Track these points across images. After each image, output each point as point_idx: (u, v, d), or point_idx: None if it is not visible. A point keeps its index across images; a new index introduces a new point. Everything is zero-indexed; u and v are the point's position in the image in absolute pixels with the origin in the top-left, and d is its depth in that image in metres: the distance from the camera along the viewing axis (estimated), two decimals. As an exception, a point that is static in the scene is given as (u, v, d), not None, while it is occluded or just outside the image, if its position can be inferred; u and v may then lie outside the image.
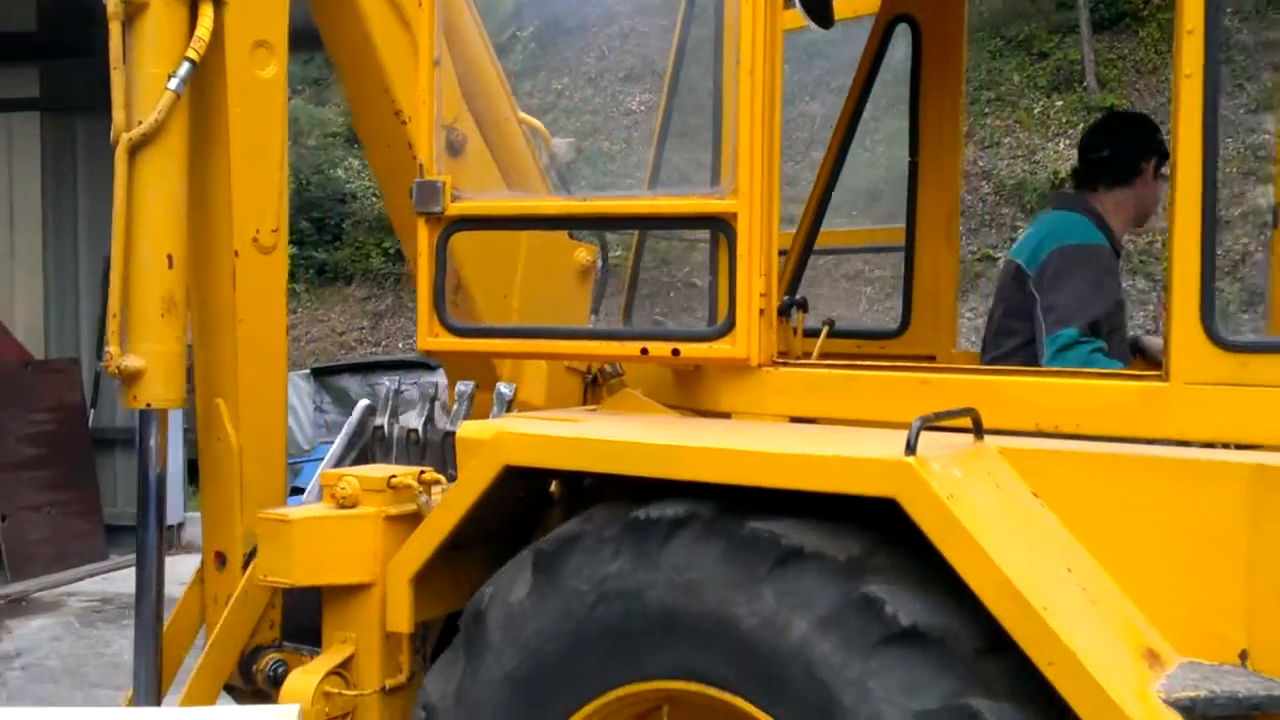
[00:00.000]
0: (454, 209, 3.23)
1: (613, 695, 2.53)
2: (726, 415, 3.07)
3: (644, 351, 3.09)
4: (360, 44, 4.01)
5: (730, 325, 2.94)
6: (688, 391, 3.19)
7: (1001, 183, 13.14)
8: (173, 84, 3.31)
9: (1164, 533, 2.37)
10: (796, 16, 4.14)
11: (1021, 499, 2.44)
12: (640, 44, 16.46)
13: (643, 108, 16.37)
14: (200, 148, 3.47)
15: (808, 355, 3.98)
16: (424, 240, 3.25)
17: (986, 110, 13.70)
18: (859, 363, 3.09)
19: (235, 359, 3.53)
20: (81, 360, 9.78)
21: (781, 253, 4.37)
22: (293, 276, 15.87)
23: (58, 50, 9.34)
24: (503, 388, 4.13)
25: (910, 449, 2.26)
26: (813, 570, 2.29)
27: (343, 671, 3.04)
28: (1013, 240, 12.19)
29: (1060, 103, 12.91)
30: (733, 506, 2.45)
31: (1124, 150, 3.70)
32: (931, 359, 4.08)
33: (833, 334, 4.33)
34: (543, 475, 2.95)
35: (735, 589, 2.35)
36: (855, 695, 2.21)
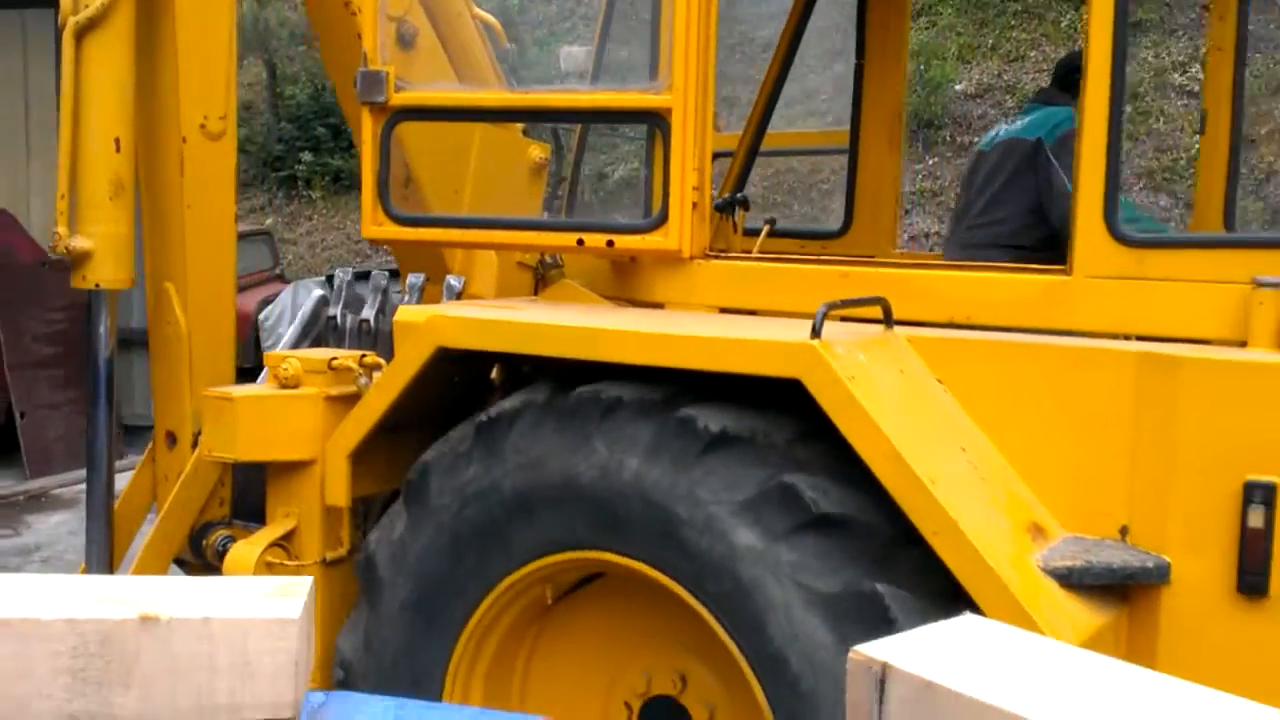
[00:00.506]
0: (397, 99, 3.28)
1: (534, 565, 2.68)
2: (660, 306, 3.17)
3: (580, 242, 3.19)
4: (310, -65, 4.02)
5: (663, 218, 3.03)
6: (624, 282, 3.29)
7: (1026, 96, 13.01)
8: (119, -30, 3.32)
9: (1056, 417, 2.51)
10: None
11: (924, 384, 2.57)
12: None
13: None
14: (148, 34, 3.49)
15: (748, 253, 4.09)
16: (368, 130, 3.30)
17: (1013, 23, 13.16)
18: (786, 255, 3.19)
19: (184, 244, 3.60)
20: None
21: (729, 154, 4.47)
22: (308, 184, 15.72)
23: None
24: (452, 280, 4.22)
25: (815, 333, 2.38)
26: (736, 456, 2.42)
27: (285, 544, 3.17)
28: None
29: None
30: (661, 389, 2.58)
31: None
32: (871, 259, 4.19)
33: (777, 234, 4.43)
34: (477, 360, 3.06)
35: (663, 470, 2.48)
36: (769, 577, 2.36)
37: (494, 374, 3.30)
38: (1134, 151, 11.89)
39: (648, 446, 2.53)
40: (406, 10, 4.15)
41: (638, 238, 3.10)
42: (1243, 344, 2.45)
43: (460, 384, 3.18)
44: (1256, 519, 2.26)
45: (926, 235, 11.25)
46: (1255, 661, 2.28)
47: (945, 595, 2.26)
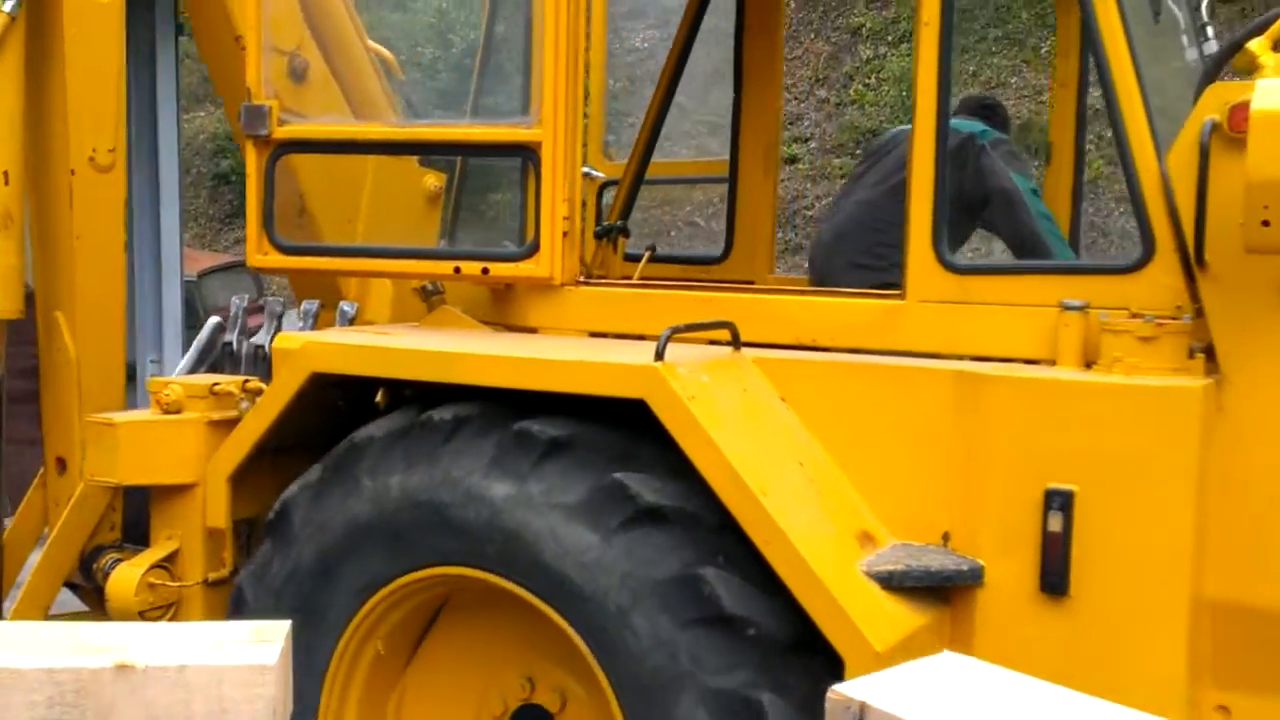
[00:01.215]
0: (280, 133, 3.40)
1: (394, 584, 2.81)
2: (534, 330, 3.33)
3: (456, 270, 3.33)
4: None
5: (535, 247, 3.19)
6: (501, 308, 3.43)
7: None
8: (8, 5, 3.42)
9: (886, 432, 2.70)
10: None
11: (766, 402, 2.75)
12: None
13: (645, 44, 16.03)
14: (36, 67, 3.59)
15: (628, 278, 4.26)
16: (252, 162, 3.42)
17: (993, 49, 13.20)
18: (653, 281, 3.37)
19: (73, 274, 3.69)
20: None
21: (614, 182, 4.65)
22: None
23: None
24: (345, 306, 4.34)
25: (659, 356, 2.55)
26: (572, 461, 2.58)
27: (168, 565, 3.27)
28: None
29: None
30: (508, 409, 2.73)
31: (1008, 119, 4.10)
32: (750, 283, 4.38)
33: (663, 260, 4.62)
34: (363, 383, 3.19)
35: (503, 481, 2.63)
36: (604, 572, 2.52)
37: (378, 398, 3.43)
38: (1114, 177, 12.17)
39: (489, 460, 2.67)
40: (298, 44, 4.28)
41: (511, 265, 3.26)
42: (1053, 362, 2.66)
43: (346, 407, 3.30)
44: (1055, 524, 2.47)
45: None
46: (1058, 655, 2.49)
47: (772, 579, 2.44)
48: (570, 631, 2.60)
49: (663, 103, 4.50)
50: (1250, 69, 2.54)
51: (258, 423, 3.03)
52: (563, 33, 3.17)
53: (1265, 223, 2.23)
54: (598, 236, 4.24)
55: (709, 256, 4.61)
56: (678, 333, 2.62)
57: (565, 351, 2.75)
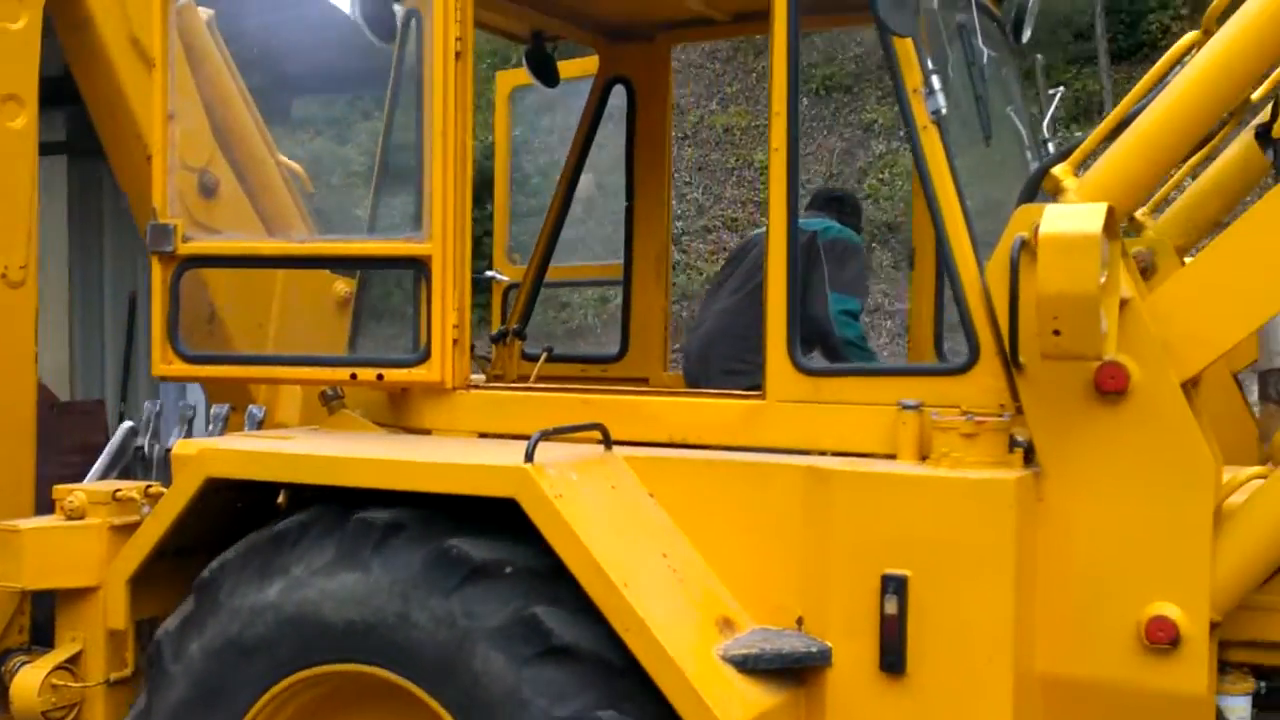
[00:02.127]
0: (184, 249, 3.60)
1: (275, 689, 2.97)
2: (428, 432, 3.53)
3: (353, 376, 3.54)
4: (113, 95, 4.36)
5: (427, 353, 3.40)
6: (398, 411, 3.63)
7: (1002, 220, 13.28)
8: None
9: (745, 523, 2.92)
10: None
11: (634, 498, 2.96)
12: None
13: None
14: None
15: (525, 378, 4.48)
16: (157, 277, 3.61)
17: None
18: (536, 385, 3.59)
19: (-17, 384, 3.83)
20: (107, 401, 9.67)
21: (515, 286, 4.89)
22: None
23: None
24: (254, 409, 4.51)
25: (528, 457, 2.75)
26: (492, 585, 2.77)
27: (72, 667, 3.38)
28: None
29: (1080, 133, 13.13)
30: (435, 518, 2.90)
31: (859, 212, 4.37)
32: (645, 381, 4.61)
33: (565, 359, 4.85)
34: (256, 486, 3.35)
35: (426, 595, 2.81)
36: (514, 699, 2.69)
37: (280, 499, 3.59)
38: None
39: (417, 573, 2.83)
40: (208, 161, 4.50)
41: (405, 371, 3.46)
42: (893, 457, 2.90)
43: (247, 509, 3.45)
44: (891, 606, 2.69)
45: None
46: (901, 729, 2.69)
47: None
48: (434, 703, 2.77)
49: (560, 209, 4.77)
50: (1056, 191, 2.84)
51: (155, 527, 3.18)
52: (450, 153, 3.42)
53: (1056, 332, 2.50)
54: (493, 340, 4.46)
55: (607, 356, 4.84)
56: (548, 435, 2.84)
57: (442, 454, 2.95)
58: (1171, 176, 4.19)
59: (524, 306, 4.79)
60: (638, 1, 4.37)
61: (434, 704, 2.82)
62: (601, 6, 4.45)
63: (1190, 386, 2.76)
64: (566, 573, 2.69)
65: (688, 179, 15.30)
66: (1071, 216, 2.48)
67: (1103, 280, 2.50)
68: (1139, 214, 4.14)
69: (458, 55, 3.44)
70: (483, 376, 4.38)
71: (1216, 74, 2.67)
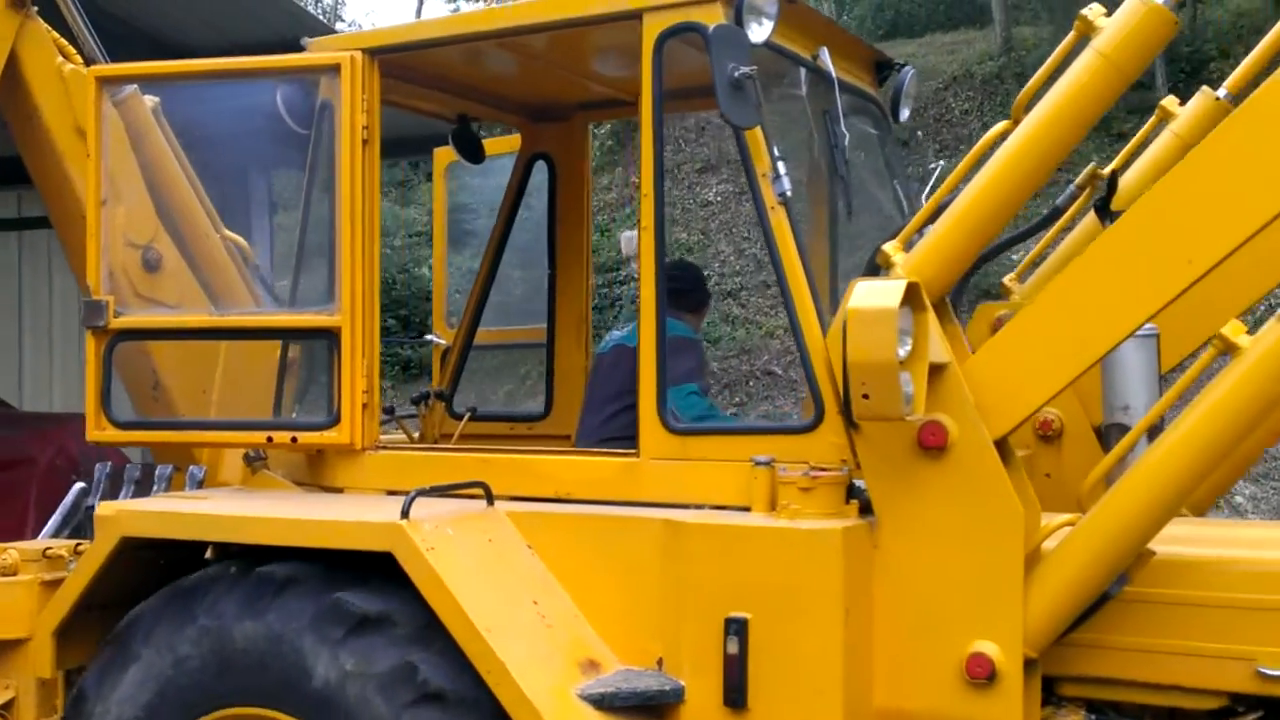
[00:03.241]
0: (116, 324, 3.90)
1: None
2: (340, 490, 3.79)
3: (269, 439, 3.82)
4: (60, 180, 4.67)
5: (337, 418, 3.69)
6: (314, 471, 3.90)
7: (994, 288, 13.08)
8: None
9: (613, 571, 3.18)
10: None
11: (511, 550, 3.22)
12: (715, 136, 16.82)
13: (719, 198, 16.27)
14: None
15: (447, 437, 4.76)
16: (91, 350, 3.90)
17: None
18: (438, 446, 3.86)
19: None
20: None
21: (447, 350, 5.17)
22: (381, 373, 15.59)
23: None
24: (194, 470, 4.77)
25: (404, 514, 3.02)
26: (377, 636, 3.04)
27: (5, 713, 3.63)
28: None
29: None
30: (328, 572, 3.16)
31: (699, 288, 4.62)
32: (568, 438, 4.88)
33: (490, 418, 5.13)
34: (182, 543, 3.60)
35: (316, 643, 3.08)
36: None
37: (208, 553, 3.85)
38: None
39: (309, 623, 3.09)
40: (151, 238, 4.80)
41: (317, 434, 3.75)
42: (747, 509, 3.16)
43: (174, 563, 3.70)
44: (733, 647, 2.94)
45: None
46: (745, 760, 2.93)
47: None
48: None
49: (488, 275, 5.07)
50: (886, 266, 3.12)
51: (78, 582, 3.45)
52: (358, 232, 3.73)
53: (865, 395, 2.77)
54: (414, 403, 4.75)
55: (533, 414, 5.12)
56: (424, 493, 3.11)
57: (330, 512, 3.22)
58: (1036, 245, 4.49)
59: (453, 369, 5.08)
60: (553, 85, 4.69)
61: None
62: (520, 90, 4.77)
63: (1006, 442, 3.02)
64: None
65: (746, 234, 15.42)
66: (873, 293, 2.76)
67: (905, 349, 2.77)
68: (1006, 280, 4.43)
69: (365, 142, 3.76)
70: (402, 436, 4.65)
71: (1023, 160, 2.95)
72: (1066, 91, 2.88)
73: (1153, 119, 3.91)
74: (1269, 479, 11.01)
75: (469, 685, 2.94)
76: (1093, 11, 2.88)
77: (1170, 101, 3.82)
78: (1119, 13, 2.83)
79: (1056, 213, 3.78)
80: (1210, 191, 2.71)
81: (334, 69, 3.79)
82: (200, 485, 4.70)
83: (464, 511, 3.25)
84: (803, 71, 3.77)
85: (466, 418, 4.81)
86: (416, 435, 4.78)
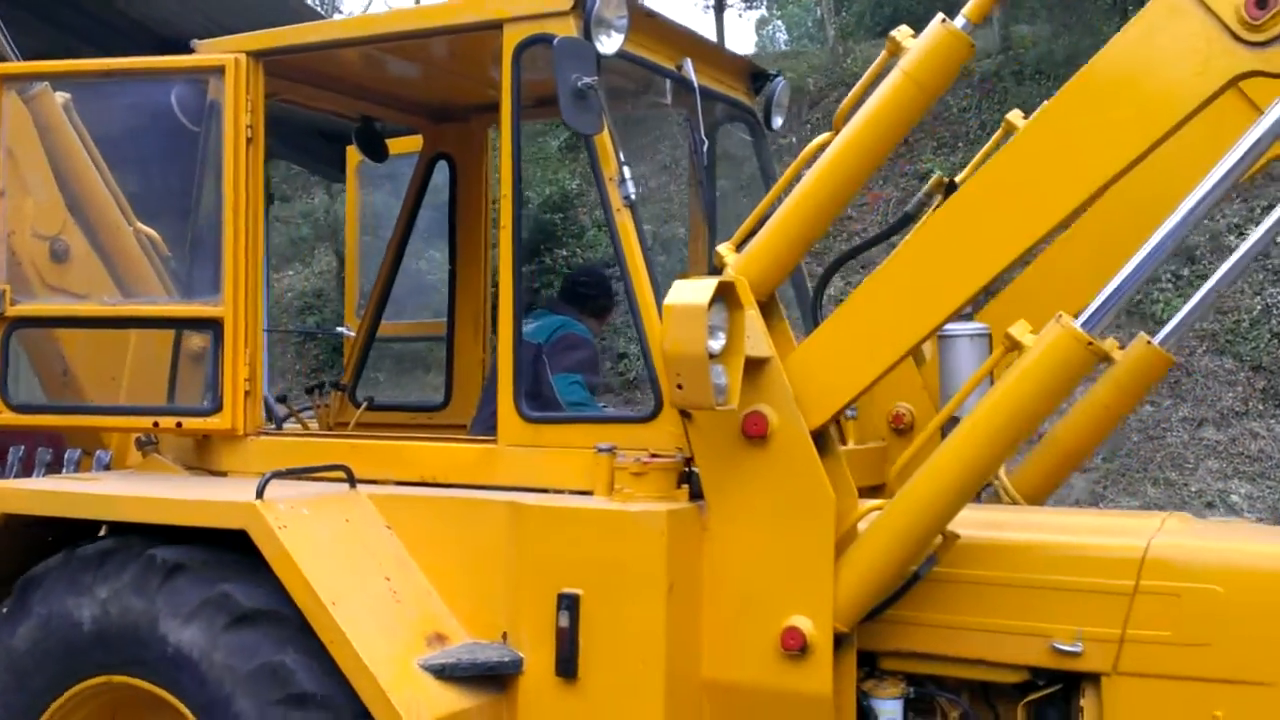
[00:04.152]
0: (12, 311, 4.06)
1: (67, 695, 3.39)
2: (224, 474, 3.97)
3: (155, 424, 4.00)
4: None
5: (219, 404, 3.87)
6: (201, 456, 4.08)
7: (1189, 253, 12.72)
8: None
9: (463, 551, 3.37)
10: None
11: (369, 530, 3.41)
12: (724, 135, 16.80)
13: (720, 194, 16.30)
14: None
15: (344, 424, 4.94)
16: (-12, 337, 4.06)
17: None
18: (316, 432, 4.04)
19: None
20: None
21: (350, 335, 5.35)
22: (377, 365, 15.75)
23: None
24: (101, 454, 4.94)
25: (259, 494, 3.21)
26: (187, 578, 3.21)
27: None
28: None
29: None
30: (219, 558, 3.32)
31: (604, 295, 4.82)
32: (464, 428, 5.07)
33: (391, 407, 5.31)
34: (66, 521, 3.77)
35: (139, 599, 3.25)
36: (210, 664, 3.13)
37: (101, 532, 4.02)
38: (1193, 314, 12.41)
39: (129, 584, 3.30)
40: (59, 230, 4.97)
41: (201, 420, 3.93)
42: (590, 493, 3.36)
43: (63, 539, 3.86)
44: (565, 620, 3.15)
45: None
46: (576, 727, 3.14)
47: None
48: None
49: (389, 273, 5.25)
50: (721, 266, 3.33)
51: (-39, 558, 3.62)
52: (241, 226, 3.92)
53: (680, 386, 2.97)
54: (307, 392, 4.93)
55: (431, 405, 5.30)
56: (280, 475, 3.30)
57: (193, 492, 3.40)
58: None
59: (356, 361, 5.26)
60: (451, 88, 4.88)
61: (185, 710, 3.25)
62: (419, 92, 4.96)
63: (829, 431, 3.23)
64: None
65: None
66: (688, 290, 2.96)
67: (720, 343, 2.98)
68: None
69: (249, 141, 3.94)
70: (297, 425, 4.83)
71: (839, 168, 3.16)
72: (877, 106, 3.09)
73: (999, 131, 4.13)
74: (1265, 478, 11.18)
75: (337, 688, 3.12)
76: (900, 33, 3.09)
77: (1015, 115, 4.04)
78: (923, 35, 3.04)
79: (907, 218, 3.99)
80: (998, 199, 2.93)
81: (219, 70, 3.97)
82: (107, 468, 4.88)
83: (324, 493, 3.44)
84: (667, 82, 3.98)
85: (363, 407, 5.00)
86: (314, 425, 4.96)
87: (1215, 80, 2.73)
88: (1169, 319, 3.81)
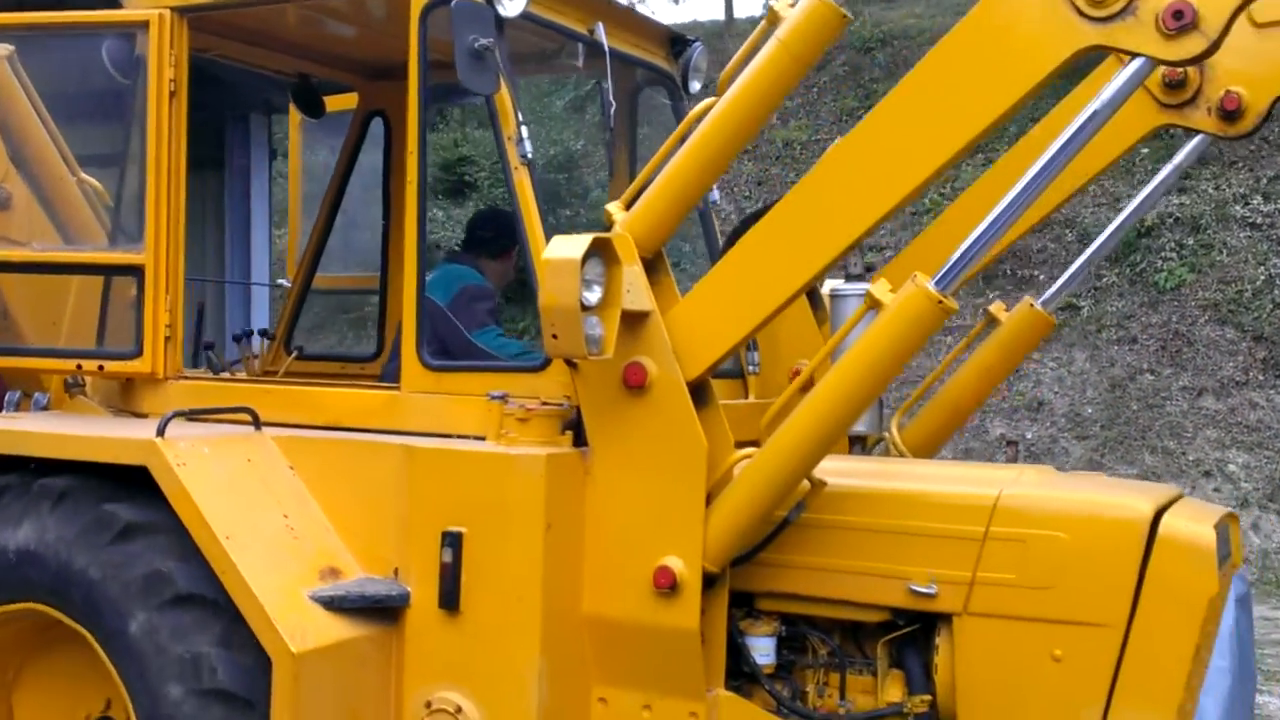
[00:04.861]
0: (-62, 256, 4.20)
1: None
2: (146, 415, 4.12)
3: (79, 367, 4.15)
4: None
5: (140, 349, 4.02)
6: (125, 398, 4.23)
7: (1085, 230, 12.78)
8: None
9: (361, 491, 3.54)
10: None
11: (271, 470, 3.57)
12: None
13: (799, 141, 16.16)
14: None
15: (272, 373, 5.10)
16: (-81, 279, 4.20)
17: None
18: (237, 378, 4.20)
19: None
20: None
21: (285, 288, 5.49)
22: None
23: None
24: (39, 396, 5.09)
25: (160, 432, 3.37)
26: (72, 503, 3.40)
27: None
28: (1097, 288, 12.52)
29: (1146, 150, 12.37)
30: (101, 484, 3.49)
31: (501, 235, 4.90)
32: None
33: (323, 357, 5.47)
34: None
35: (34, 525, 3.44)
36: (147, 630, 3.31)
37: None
38: (1198, 284, 12.22)
39: (79, 531, 3.45)
40: (2, 177, 5.10)
41: (122, 363, 4.08)
42: (483, 438, 3.52)
43: None
44: (448, 556, 3.32)
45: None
46: (458, 658, 3.32)
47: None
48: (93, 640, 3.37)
49: (325, 226, 5.38)
50: (610, 224, 3.47)
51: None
52: (163, 176, 4.06)
53: (554, 336, 3.13)
54: (234, 340, 5.08)
55: (363, 355, 5.46)
56: (181, 414, 3.45)
57: (100, 430, 3.56)
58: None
59: (290, 312, 5.40)
60: (384, 46, 4.99)
61: (93, 641, 3.42)
62: (353, 49, 5.07)
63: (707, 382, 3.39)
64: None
65: (747, 193, 15.63)
66: (562, 245, 3.11)
67: (596, 296, 3.13)
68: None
69: (172, 94, 4.07)
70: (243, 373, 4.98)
71: (720, 132, 3.30)
72: (754, 74, 3.23)
73: (764, 22, 4.22)
74: (1263, 448, 11.32)
75: (217, 590, 3.30)
76: (779, 3, 3.22)
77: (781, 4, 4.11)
78: (798, 6, 3.18)
79: None
80: (860, 161, 3.08)
81: (144, 25, 4.09)
82: (45, 409, 5.03)
83: (228, 434, 3.60)
84: (579, 45, 4.11)
85: (293, 356, 5.15)
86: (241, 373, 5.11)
87: (1061, 53, 2.86)
88: (1172, 288, 3.96)
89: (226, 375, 4.59)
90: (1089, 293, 12.80)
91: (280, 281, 5.75)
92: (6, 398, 5.30)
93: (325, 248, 5.42)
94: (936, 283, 3.02)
